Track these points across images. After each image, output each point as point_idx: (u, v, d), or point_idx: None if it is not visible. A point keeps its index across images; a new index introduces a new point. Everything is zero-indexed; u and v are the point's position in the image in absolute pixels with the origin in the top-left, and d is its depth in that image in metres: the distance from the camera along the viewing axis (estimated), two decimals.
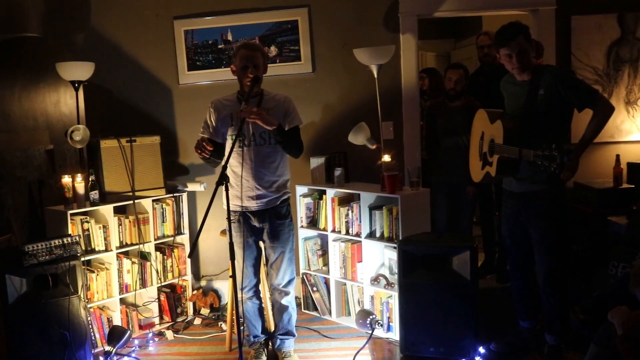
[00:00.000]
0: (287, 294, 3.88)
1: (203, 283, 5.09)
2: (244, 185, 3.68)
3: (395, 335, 4.17)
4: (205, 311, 4.81)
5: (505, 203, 3.81)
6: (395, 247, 4.07)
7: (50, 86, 6.85)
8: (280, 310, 3.91)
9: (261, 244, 3.88)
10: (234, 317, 4.13)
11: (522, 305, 3.90)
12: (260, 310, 3.97)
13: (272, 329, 4.15)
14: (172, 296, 4.70)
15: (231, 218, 3.71)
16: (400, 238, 4.02)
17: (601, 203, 4.55)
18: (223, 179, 2.96)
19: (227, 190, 3.15)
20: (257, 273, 3.88)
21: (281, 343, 3.95)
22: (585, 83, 3.51)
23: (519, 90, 3.56)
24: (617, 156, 4.73)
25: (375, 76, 4.45)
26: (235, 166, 3.68)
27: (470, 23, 7.66)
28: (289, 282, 3.88)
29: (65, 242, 3.89)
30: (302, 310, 4.81)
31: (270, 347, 4.08)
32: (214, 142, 3.63)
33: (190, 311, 4.80)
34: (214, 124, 3.72)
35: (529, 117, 3.46)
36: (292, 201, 4.91)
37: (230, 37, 4.90)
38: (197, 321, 4.70)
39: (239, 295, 3.84)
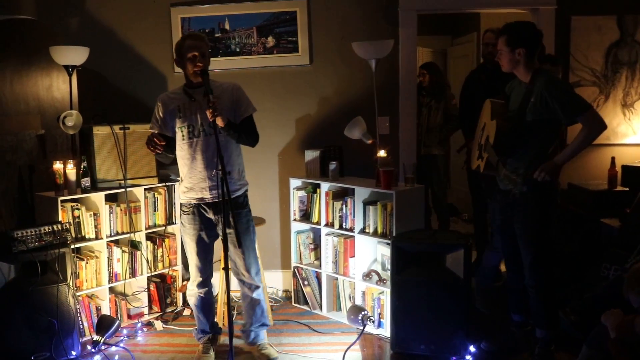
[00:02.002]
0: (257, 287, 3.84)
1: None
2: (197, 176, 3.64)
3: (386, 331, 4.15)
4: None
5: (495, 196, 3.78)
6: (388, 243, 4.05)
7: (43, 70, 6.77)
8: (252, 304, 3.87)
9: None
10: (224, 309, 4.11)
11: (512, 297, 3.89)
12: (211, 305, 3.94)
13: (246, 323, 4.02)
14: (162, 286, 4.66)
15: (185, 210, 3.73)
16: (394, 234, 4.00)
17: (595, 205, 4.55)
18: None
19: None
20: (209, 267, 3.85)
21: (256, 336, 3.94)
22: (578, 97, 3.39)
23: (518, 91, 3.54)
24: (613, 158, 4.73)
25: (373, 70, 4.42)
26: (186, 158, 3.64)
27: (467, 20, 7.64)
28: (256, 274, 3.82)
29: (56, 229, 3.85)
30: (293, 303, 4.80)
31: (246, 341, 4.01)
32: (164, 136, 3.62)
33: (180, 302, 4.76)
34: (162, 117, 3.67)
35: (518, 123, 3.44)
36: (283, 193, 4.94)
37: (227, 26, 4.84)
38: (187, 312, 4.66)
39: (189, 287, 3.87)
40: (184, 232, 3.78)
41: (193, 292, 3.85)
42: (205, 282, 3.85)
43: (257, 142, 3.76)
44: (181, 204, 3.78)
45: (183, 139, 3.62)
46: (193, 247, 3.74)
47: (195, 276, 3.81)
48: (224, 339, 4.07)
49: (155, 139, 3.48)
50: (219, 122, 3.39)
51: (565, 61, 4.86)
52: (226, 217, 3.28)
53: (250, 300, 3.85)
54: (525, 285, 3.67)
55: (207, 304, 3.91)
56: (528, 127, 3.41)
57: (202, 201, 3.68)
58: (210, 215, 3.71)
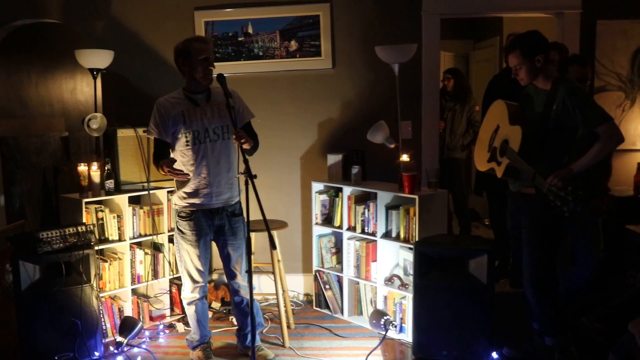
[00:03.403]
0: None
1: (215, 277, 5.06)
2: (201, 182, 3.62)
3: (407, 336, 4.13)
4: (216, 305, 4.78)
5: (509, 199, 3.74)
6: (410, 248, 4.04)
7: (67, 73, 6.87)
8: (247, 305, 3.86)
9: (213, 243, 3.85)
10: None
11: (530, 306, 3.82)
12: (207, 310, 3.96)
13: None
14: None
15: (184, 216, 3.68)
16: (417, 239, 3.98)
17: (620, 211, 4.50)
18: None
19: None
20: (207, 272, 3.83)
21: (252, 338, 3.95)
22: (600, 108, 3.32)
23: (538, 98, 3.47)
24: (639, 164, 4.67)
25: (396, 74, 4.41)
26: (189, 164, 3.61)
27: (489, 24, 7.60)
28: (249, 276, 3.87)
29: (80, 230, 3.88)
30: (314, 307, 4.79)
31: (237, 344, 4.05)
32: (164, 143, 3.60)
33: None
34: (163, 123, 3.59)
35: (543, 129, 3.38)
36: (305, 197, 4.94)
37: (250, 30, 4.86)
38: (209, 315, 4.67)
39: (188, 296, 3.81)
40: (182, 239, 3.70)
41: (194, 300, 3.80)
42: (205, 287, 3.84)
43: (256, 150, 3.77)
44: (178, 210, 3.71)
45: (187, 145, 3.58)
46: (194, 252, 3.69)
47: (195, 282, 3.76)
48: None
49: (170, 167, 3.43)
50: (246, 146, 3.40)
51: (590, 66, 4.80)
52: (245, 223, 3.29)
53: (246, 302, 3.85)
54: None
55: (206, 309, 3.93)
56: (549, 134, 3.37)
57: (203, 207, 3.65)
58: (211, 222, 3.70)
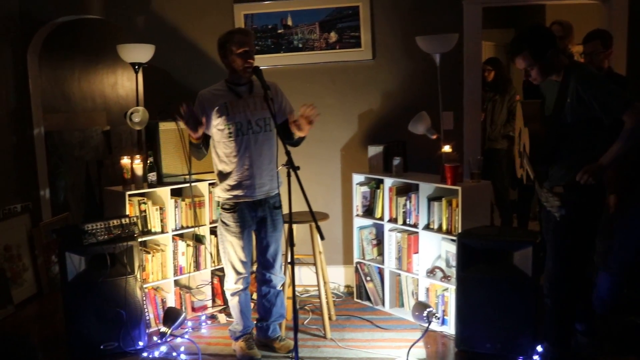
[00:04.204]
0: (282, 279, 3.95)
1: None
2: (244, 174, 3.63)
3: (449, 329, 4.09)
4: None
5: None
6: (453, 240, 4.00)
7: (109, 68, 6.97)
8: (275, 295, 3.91)
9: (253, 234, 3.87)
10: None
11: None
12: (249, 301, 3.98)
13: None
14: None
15: (228, 208, 3.70)
16: (460, 231, 3.94)
17: None
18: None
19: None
20: (250, 262, 3.85)
21: (274, 329, 3.98)
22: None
23: (552, 92, 3.23)
24: None
25: (437, 65, 4.36)
26: (232, 155, 3.61)
27: (531, 12, 7.46)
28: (281, 267, 3.93)
29: (124, 222, 3.93)
30: (355, 299, 4.78)
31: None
32: (204, 134, 3.59)
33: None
34: (206, 116, 3.57)
35: (555, 127, 3.15)
36: (346, 189, 4.93)
37: (290, 22, 4.85)
38: (251, 305, 4.70)
39: (231, 287, 3.82)
40: (225, 231, 3.72)
41: (237, 291, 3.82)
42: (248, 279, 3.86)
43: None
44: (221, 203, 3.73)
45: (230, 137, 3.58)
46: (238, 244, 3.71)
47: (239, 274, 3.77)
48: None
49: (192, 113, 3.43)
50: (305, 132, 3.55)
51: (638, 54, 4.66)
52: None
53: (276, 292, 3.91)
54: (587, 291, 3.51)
55: (249, 300, 3.95)
56: (568, 130, 3.12)
57: (246, 198, 3.66)
58: (254, 213, 3.72)
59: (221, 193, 3.71)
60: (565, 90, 3.09)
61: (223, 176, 3.68)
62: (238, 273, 3.77)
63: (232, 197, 3.67)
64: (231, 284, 3.81)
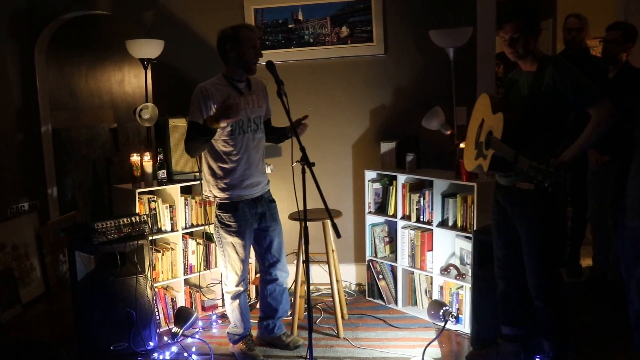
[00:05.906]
0: (287, 274, 3.91)
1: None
2: (243, 172, 3.58)
3: (464, 327, 4.03)
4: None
5: (497, 192, 3.43)
6: (467, 237, 3.93)
7: (116, 65, 6.92)
8: (281, 292, 3.89)
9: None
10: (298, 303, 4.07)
11: (507, 307, 3.51)
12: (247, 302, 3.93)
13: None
14: None
15: (226, 208, 3.63)
16: (475, 227, 3.87)
17: None
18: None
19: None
20: (248, 263, 3.80)
21: (280, 326, 3.94)
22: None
23: (523, 81, 3.21)
24: None
25: (451, 59, 4.28)
26: (232, 154, 3.55)
27: (542, 6, 7.38)
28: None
29: (134, 220, 3.88)
30: (367, 297, 4.71)
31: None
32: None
33: (253, 295, 4.73)
34: (211, 109, 3.47)
35: (529, 113, 3.11)
36: (357, 186, 4.87)
37: (300, 17, 4.78)
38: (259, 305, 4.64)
39: (232, 289, 3.75)
40: (226, 233, 3.64)
41: (239, 293, 3.75)
42: (247, 279, 3.82)
43: None
44: (219, 204, 3.64)
45: (232, 134, 3.52)
46: (240, 243, 3.64)
47: (241, 275, 3.71)
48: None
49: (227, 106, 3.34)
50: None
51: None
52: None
53: (281, 289, 3.88)
54: (516, 293, 3.40)
55: (247, 301, 3.90)
56: (537, 119, 3.09)
57: (245, 197, 3.61)
58: (254, 210, 3.67)
59: (218, 193, 3.61)
60: (542, 78, 3.09)
61: (219, 175, 3.59)
62: (240, 274, 3.71)
63: (231, 196, 3.59)
64: (232, 287, 3.74)
